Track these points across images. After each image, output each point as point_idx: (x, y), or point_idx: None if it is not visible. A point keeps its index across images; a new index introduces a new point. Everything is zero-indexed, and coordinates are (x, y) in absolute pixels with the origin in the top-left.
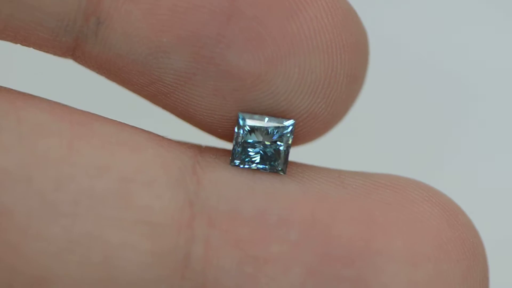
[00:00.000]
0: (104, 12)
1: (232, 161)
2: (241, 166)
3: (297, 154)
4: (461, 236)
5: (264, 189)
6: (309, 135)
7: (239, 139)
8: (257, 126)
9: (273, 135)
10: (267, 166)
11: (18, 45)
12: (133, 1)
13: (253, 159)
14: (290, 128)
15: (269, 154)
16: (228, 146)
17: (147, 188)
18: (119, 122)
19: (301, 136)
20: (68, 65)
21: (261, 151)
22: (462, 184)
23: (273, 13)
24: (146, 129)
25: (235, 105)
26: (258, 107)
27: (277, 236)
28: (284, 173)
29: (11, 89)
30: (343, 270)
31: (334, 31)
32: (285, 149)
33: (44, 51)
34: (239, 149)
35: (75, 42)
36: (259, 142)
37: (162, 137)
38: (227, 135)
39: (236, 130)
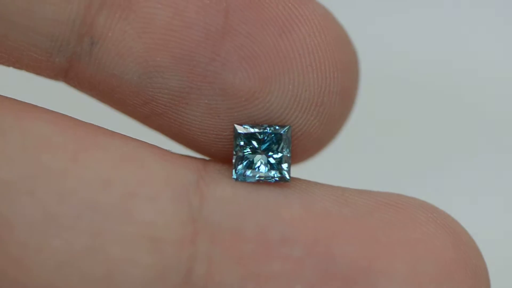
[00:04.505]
0: (98, 32)
1: (234, 176)
2: (244, 179)
3: (299, 168)
4: (464, 257)
5: (267, 205)
6: (304, 153)
7: (239, 151)
8: (254, 135)
9: (272, 142)
10: (270, 175)
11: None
12: (127, 21)
13: (255, 170)
14: (287, 133)
15: (270, 162)
16: (229, 164)
17: (150, 203)
18: (123, 135)
19: (296, 154)
20: None
21: (262, 160)
22: (458, 199)
23: (266, 31)
24: (151, 141)
25: (230, 124)
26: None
27: (279, 253)
28: (288, 180)
29: (15, 100)
30: None
31: (327, 49)
32: (285, 155)
33: (37, 74)
34: (240, 161)
35: (68, 63)
36: (259, 151)
37: (166, 150)
38: (222, 155)
39: (234, 142)
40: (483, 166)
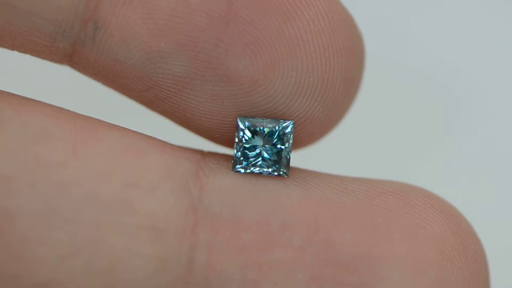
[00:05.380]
0: (101, 17)
1: (234, 167)
2: (243, 171)
3: (298, 158)
4: (463, 242)
5: (267, 194)
6: (307, 139)
7: (240, 144)
8: (257, 129)
9: (273, 137)
10: (269, 170)
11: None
12: (131, 6)
13: (255, 163)
14: (290, 128)
15: (270, 157)
16: (231, 150)
17: (150, 194)
18: (122, 127)
19: (299, 140)
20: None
21: (262, 155)
22: (456, 186)
23: (270, 17)
24: (150, 133)
25: (234, 110)
26: (257, 111)
27: (280, 242)
28: (287, 175)
29: (15, 94)
30: (346, 276)
31: (331, 35)
32: (286, 150)
33: (42, 58)
34: (240, 154)
35: (72, 48)
36: (260, 145)
37: (165, 142)
38: (225, 140)
39: (236, 134)
40: (482, 157)
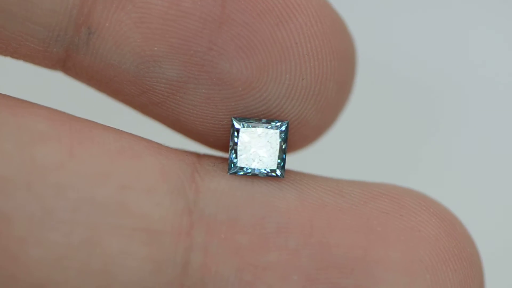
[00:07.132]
0: (95, 22)
1: (229, 169)
2: (239, 173)
3: (293, 160)
4: (458, 245)
5: (262, 197)
6: (301, 141)
7: (235, 146)
8: (251, 130)
9: (268, 138)
10: (265, 171)
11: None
12: (124, 10)
13: (250, 165)
14: (284, 129)
15: (266, 158)
16: (226, 154)
17: (146, 196)
18: (118, 129)
19: (293, 143)
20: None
21: (258, 156)
22: (450, 187)
23: (263, 20)
24: (145, 135)
25: (227, 113)
26: (250, 114)
27: (275, 244)
28: (283, 176)
29: (11, 97)
30: (341, 279)
31: (324, 38)
32: (281, 151)
33: (35, 63)
34: (236, 155)
35: (66, 53)
36: (255, 146)
37: (161, 144)
38: (220, 145)
39: (231, 136)
40: (476, 156)
